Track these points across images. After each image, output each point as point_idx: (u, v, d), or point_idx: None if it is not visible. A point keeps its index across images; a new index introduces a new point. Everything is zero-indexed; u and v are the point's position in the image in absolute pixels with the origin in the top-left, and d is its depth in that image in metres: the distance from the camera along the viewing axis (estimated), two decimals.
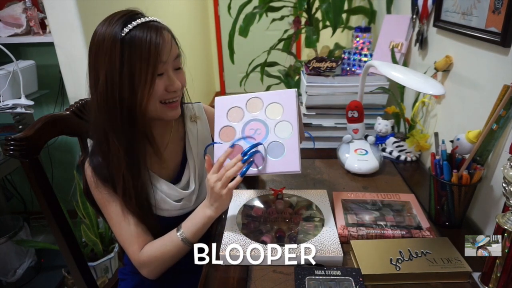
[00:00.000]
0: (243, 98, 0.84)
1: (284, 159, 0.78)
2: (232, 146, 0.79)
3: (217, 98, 0.85)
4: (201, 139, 0.96)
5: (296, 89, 0.82)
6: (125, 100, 0.75)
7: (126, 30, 0.72)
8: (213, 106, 0.89)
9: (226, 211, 0.87)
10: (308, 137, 0.98)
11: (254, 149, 0.78)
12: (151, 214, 0.85)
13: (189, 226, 0.80)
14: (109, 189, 0.82)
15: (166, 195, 0.87)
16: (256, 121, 0.82)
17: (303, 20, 1.95)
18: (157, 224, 0.86)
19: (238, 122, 0.82)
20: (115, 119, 0.76)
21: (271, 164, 0.78)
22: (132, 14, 0.75)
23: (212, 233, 0.85)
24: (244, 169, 0.76)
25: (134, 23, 0.73)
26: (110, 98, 0.75)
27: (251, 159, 0.77)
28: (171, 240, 0.81)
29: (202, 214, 0.79)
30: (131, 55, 0.72)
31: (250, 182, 1.06)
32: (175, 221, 0.84)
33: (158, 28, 0.75)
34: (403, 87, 1.23)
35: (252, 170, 0.78)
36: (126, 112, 0.76)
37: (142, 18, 0.75)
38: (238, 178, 0.76)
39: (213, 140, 0.96)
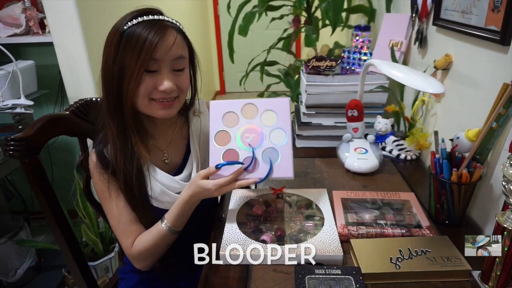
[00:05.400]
0: (238, 104, 0.85)
1: (279, 166, 0.81)
2: (218, 167, 0.79)
3: (211, 102, 0.86)
4: (204, 133, 0.97)
5: (290, 98, 0.84)
6: (113, 88, 0.78)
7: (129, 23, 0.75)
8: None
9: (226, 211, 0.87)
10: None
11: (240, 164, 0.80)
12: (147, 210, 0.86)
13: (170, 213, 0.82)
14: (109, 177, 0.83)
15: (167, 188, 0.87)
16: (252, 127, 0.84)
17: (302, 19, 1.95)
18: (154, 219, 0.86)
19: (233, 127, 0.84)
20: (109, 102, 0.80)
21: (265, 170, 0.80)
22: (145, 11, 0.78)
23: (212, 233, 0.85)
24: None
25: (140, 19, 0.75)
26: (105, 83, 0.79)
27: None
28: (157, 230, 0.83)
29: (181, 199, 0.81)
30: (125, 47, 0.75)
31: None
32: None
33: (162, 27, 0.76)
34: (403, 85, 1.23)
35: (253, 179, 0.80)
36: (116, 100, 0.79)
37: (151, 16, 0.77)
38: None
39: None
